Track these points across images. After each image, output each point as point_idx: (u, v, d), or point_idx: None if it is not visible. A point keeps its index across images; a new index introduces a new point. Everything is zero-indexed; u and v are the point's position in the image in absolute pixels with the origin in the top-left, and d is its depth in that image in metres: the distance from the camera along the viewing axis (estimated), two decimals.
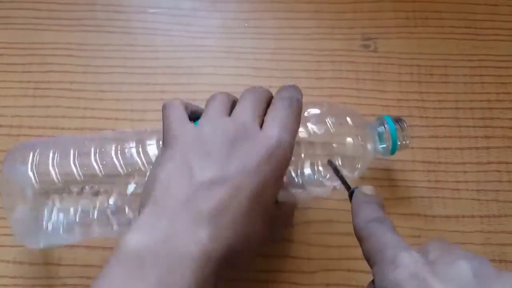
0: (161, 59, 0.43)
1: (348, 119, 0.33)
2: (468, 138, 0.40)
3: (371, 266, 0.24)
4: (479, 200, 0.38)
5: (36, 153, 0.31)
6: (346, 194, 0.29)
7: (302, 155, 0.32)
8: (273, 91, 0.42)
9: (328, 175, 0.32)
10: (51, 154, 0.31)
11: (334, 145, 0.32)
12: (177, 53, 0.44)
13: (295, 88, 0.30)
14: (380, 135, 0.34)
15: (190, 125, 0.28)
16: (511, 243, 0.37)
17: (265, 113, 0.29)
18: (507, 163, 0.39)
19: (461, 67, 0.43)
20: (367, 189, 0.27)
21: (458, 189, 0.38)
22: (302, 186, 0.32)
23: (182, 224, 0.24)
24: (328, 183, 0.33)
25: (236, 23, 0.45)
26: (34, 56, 0.43)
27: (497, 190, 0.38)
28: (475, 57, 0.43)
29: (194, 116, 0.30)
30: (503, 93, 0.42)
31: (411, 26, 0.45)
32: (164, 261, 0.23)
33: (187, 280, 0.23)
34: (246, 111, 0.28)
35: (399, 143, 0.34)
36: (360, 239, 0.25)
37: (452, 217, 0.37)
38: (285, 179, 0.31)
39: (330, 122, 0.32)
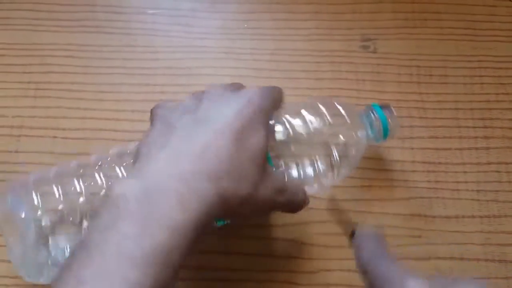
0: (160, 60, 0.43)
1: (341, 108, 0.33)
2: (467, 138, 0.40)
3: None
4: (479, 200, 0.38)
5: (36, 184, 0.30)
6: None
7: (299, 148, 0.32)
8: None
9: (325, 167, 0.32)
10: (52, 182, 0.30)
11: (329, 135, 0.32)
12: (176, 54, 0.44)
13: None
14: (370, 123, 0.35)
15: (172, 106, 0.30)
16: (511, 243, 0.37)
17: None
18: (506, 163, 0.39)
19: (460, 68, 0.43)
20: (368, 227, 0.28)
21: (458, 190, 0.38)
22: (300, 180, 0.32)
23: (164, 164, 0.25)
24: (324, 178, 0.33)
25: (236, 24, 0.45)
26: (34, 57, 0.43)
27: (497, 191, 0.38)
28: (474, 58, 0.43)
29: None
30: (502, 93, 0.42)
31: (410, 27, 0.45)
32: (149, 196, 0.23)
33: (171, 210, 0.23)
34: (220, 86, 0.30)
35: (390, 128, 0.35)
36: (364, 272, 0.25)
37: (452, 217, 0.37)
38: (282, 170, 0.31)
39: (324, 113, 0.33)
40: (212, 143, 0.25)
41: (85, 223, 0.29)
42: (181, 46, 0.44)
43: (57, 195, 0.30)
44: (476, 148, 0.40)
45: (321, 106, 0.33)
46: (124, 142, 0.39)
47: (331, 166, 0.32)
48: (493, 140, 0.40)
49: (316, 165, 0.32)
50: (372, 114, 0.35)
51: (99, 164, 0.31)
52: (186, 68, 0.43)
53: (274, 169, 0.31)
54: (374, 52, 0.44)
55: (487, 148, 0.40)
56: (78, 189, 0.30)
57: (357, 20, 0.45)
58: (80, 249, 0.22)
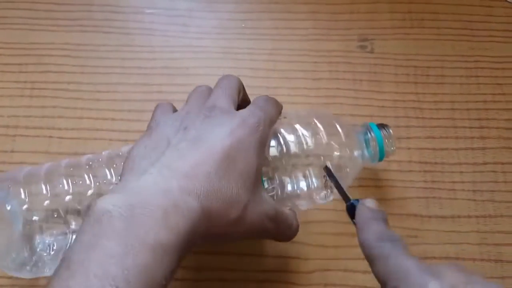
0: (158, 60, 0.43)
1: (337, 126, 0.33)
2: (464, 138, 0.40)
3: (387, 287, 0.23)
4: (475, 200, 0.38)
5: (25, 179, 0.30)
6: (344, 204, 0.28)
7: (293, 163, 0.31)
8: (270, 92, 0.42)
9: (319, 184, 0.31)
10: (41, 178, 0.30)
11: (324, 152, 0.32)
12: (174, 53, 0.44)
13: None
14: (367, 143, 0.34)
15: (172, 114, 0.30)
16: (507, 243, 0.37)
17: (238, 98, 0.31)
18: (502, 163, 0.39)
19: (457, 68, 0.43)
20: (371, 202, 0.26)
21: (454, 190, 0.38)
22: (294, 195, 0.32)
23: (152, 180, 0.24)
24: (317, 195, 0.32)
25: (233, 24, 0.45)
26: (31, 56, 0.43)
27: (493, 191, 0.38)
28: (471, 58, 0.44)
29: None
30: (499, 94, 0.42)
31: (407, 27, 0.45)
32: (132, 212, 0.23)
33: (155, 228, 0.22)
34: (220, 95, 0.30)
35: (386, 149, 0.34)
36: (372, 258, 0.24)
37: (448, 217, 0.37)
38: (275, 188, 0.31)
39: (320, 129, 0.32)
40: (202, 163, 0.25)
41: (72, 223, 0.29)
42: (179, 45, 0.44)
43: (44, 193, 0.30)
44: (472, 148, 0.40)
45: (317, 122, 0.32)
46: (121, 142, 0.40)
47: (325, 183, 0.31)
48: (489, 141, 0.40)
49: (309, 181, 0.31)
50: (369, 134, 0.34)
51: (90, 164, 0.31)
52: (184, 68, 0.43)
53: (267, 190, 0.30)
54: (372, 52, 0.44)
55: (483, 148, 0.40)
56: (66, 188, 0.30)
57: (354, 20, 0.45)
58: (62, 267, 0.22)
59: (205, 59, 0.43)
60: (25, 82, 0.42)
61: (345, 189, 0.29)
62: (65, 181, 0.30)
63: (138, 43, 0.44)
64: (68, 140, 0.40)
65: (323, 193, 0.32)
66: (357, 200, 0.27)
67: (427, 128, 0.41)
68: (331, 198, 0.32)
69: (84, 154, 0.39)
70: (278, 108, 0.31)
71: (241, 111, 0.29)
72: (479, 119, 0.41)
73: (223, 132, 0.27)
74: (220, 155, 0.26)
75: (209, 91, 0.31)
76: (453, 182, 0.39)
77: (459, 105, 0.42)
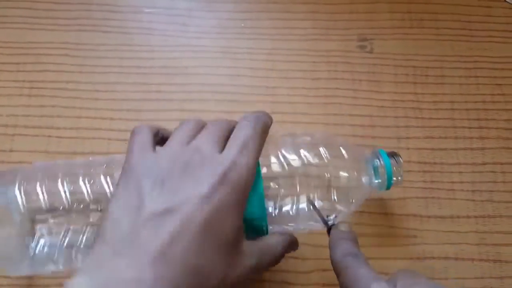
0: (157, 59, 0.43)
1: (343, 151, 0.32)
2: (463, 139, 0.40)
3: None
4: (474, 200, 0.38)
5: (23, 175, 0.30)
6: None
7: (297, 187, 0.31)
8: (269, 92, 0.42)
9: (321, 206, 0.31)
10: (39, 175, 0.30)
11: (328, 177, 0.31)
12: (173, 53, 0.44)
13: (263, 112, 0.30)
14: (375, 170, 0.33)
15: (151, 154, 0.27)
16: (506, 243, 0.37)
17: (227, 140, 0.28)
18: (501, 163, 0.39)
19: (456, 68, 0.43)
20: (343, 226, 0.30)
21: (453, 190, 0.38)
22: (296, 219, 0.31)
23: (126, 265, 0.23)
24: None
25: (232, 24, 0.45)
26: (29, 56, 0.43)
27: (492, 191, 0.38)
28: (470, 59, 0.44)
29: (165, 142, 0.29)
30: (498, 94, 0.42)
31: (407, 27, 0.45)
32: None
33: None
34: (204, 139, 0.27)
35: (394, 178, 0.33)
36: (337, 272, 0.27)
37: (447, 217, 0.37)
38: (274, 212, 0.30)
39: (324, 153, 0.31)
40: (180, 235, 0.24)
41: (70, 221, 0.29)
42: (178, 45, 0.44)
43: (40, 195, 0.29)
44: (472, 149, 0.40)
45: (323, 147, 0.31)
46: (119, 141, 0.40)
47: (329, 207, 0.31)
48: (488, 141, 0.40)
49: (311, 208, 0.31)
50: (378, 161, 0.33)
51: (86, 170, 0.31)
52: (183, 67, 0.43)
53: (266, 208, 0.29)
54: (371, 52, 0.44)
55: (482, 149, 0.40)
56: (62, 193, 0.30)
57: (353, 20, 0.45)
58: None
59: (204, 58, 0.43)
60: (23, 81, 0.42)
61: (352, 211, 0.32)
62: (60, 186, 0.30)
63: (137, 42, 0.44)
64: (67, 139, 0.40)
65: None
66: (334, 224, 0.30)
67: (426, 128, 0.41)
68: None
69: (82, 153, 0.39)
70: (265, 131, 0.29)
71: (224, 159, 0.26)
72: (478, 119, 0.41)
73: (202, 192, 0.25)
74: (198, 227, 0.24)
75: (197, 127, 0.29)
76: (452, 182, 0.39)
77: (458, 105, 0.42)
